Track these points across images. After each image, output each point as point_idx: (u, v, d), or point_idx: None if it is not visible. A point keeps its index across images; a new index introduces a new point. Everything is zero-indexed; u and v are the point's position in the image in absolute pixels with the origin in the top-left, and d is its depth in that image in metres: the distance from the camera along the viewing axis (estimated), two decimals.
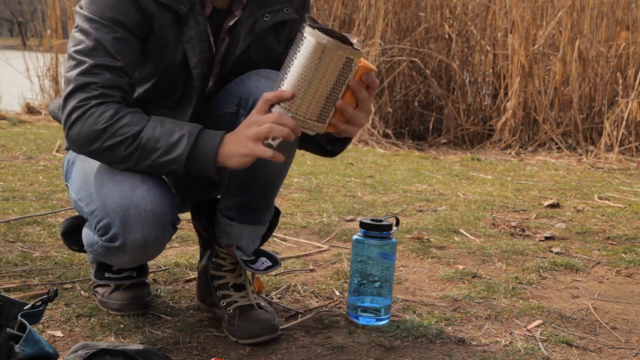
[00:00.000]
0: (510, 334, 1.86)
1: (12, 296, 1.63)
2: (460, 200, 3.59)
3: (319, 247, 2.60)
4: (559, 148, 5.61)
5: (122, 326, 1.80)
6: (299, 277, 2.25)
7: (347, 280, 2.04)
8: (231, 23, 1.70)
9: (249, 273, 1.87)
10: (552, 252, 2.67)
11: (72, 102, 1.55)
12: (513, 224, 3.04)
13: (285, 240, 2.69)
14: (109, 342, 1.66)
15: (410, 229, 2.87)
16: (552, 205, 3.50)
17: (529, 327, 1.90)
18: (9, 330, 1.30)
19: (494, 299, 2.11)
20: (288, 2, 1.72)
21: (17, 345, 1.26)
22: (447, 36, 6.39)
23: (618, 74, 5.70)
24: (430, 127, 6.20)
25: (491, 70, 6.39)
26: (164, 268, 2.26)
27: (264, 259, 1.82)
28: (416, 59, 6.17)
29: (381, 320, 1.88)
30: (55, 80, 7.05)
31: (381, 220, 1.88)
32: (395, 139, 5.93)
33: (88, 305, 1.91)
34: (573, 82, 5.69)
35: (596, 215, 3.34)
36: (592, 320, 1.98)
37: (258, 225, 1.79)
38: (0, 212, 2.86)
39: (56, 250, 2.38)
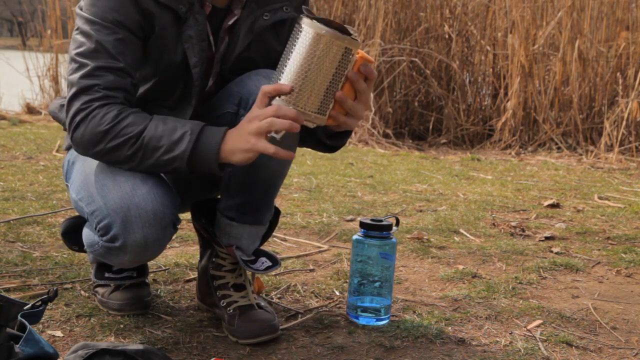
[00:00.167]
0: (510, 334, 1.86)
1: (12, 296, 1.63)
2: (460, 200, 3.59)
3: (319, 247, 2.60)
4: (559, 148, 5.61)
5: (122, 326, 1.80)
6: (299, 277, 2.25)
7: (347, 280, 2.04)
8: (231, 22, 1.70)
9: (249, 273, 1.87)
10: (552, 252, 2.67)
11: (76, 105, 1.55)
12: (513, 224, 3.04)
13: (285, 240, 2.69)
14: (109, 342, 1.66)
15: (410, 229, 2.87)
16: (552, 205, 3.50)
17: (529, 327, 1.90)
18: (9, 330, 1.30)
19: (494, 299, 2.11)
20: (287, 0, 1.72)
21: (17, 345, 1.26)
22: (447, 36, 6.39)
23: (618, 74, 5.70)
24: (430, 127, 6.20)
25: (491, 70, 6.39)
26: (164, 268, 2.26)
27: (264, 259, 1.82)
28: (416, 59, 6.17)
29: (381, 320, 1.88)
30: (55, 80, 7.05)
31: (381, 220, 1.88)
32: (395, 139, 5.93)
33: (88, 305, 1.91)
34: (573, 82, 5.69)
35: (596, 215, 3.34)
36: (592, 320, 1.98)
37: (258, 225, 1.79)
38: (0, 212, 2.86)
39: (56, 250, 2.38)
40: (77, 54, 1.57)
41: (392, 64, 6.12)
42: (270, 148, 1.46)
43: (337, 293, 2.11)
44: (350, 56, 1.45)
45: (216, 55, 1.72)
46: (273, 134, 1.46)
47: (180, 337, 1.74)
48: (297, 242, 2.68)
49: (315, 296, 2.08)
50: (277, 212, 1.87)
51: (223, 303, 1.80)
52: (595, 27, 5.82)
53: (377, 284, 1.88)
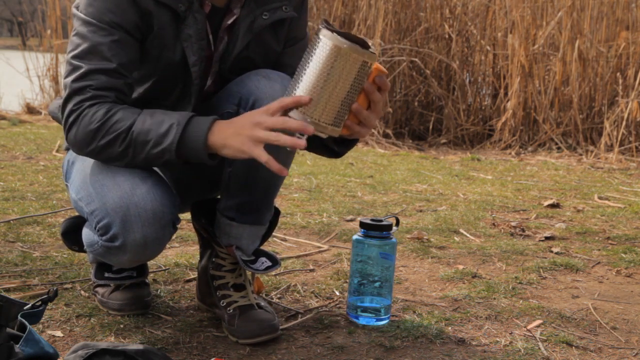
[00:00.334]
0: (510, 334, 1.86)
1: (12, 296, 1.63)
2: (460, 200, 3.59)
3: (319, 247, 2.60)
4: (559, 148, 5.61)
5: (122, 326, 1.80)
6: (299, 277, 2.25)
7: (347, 280, 2.04)
8: (230, 21, 1.70)
9: (248, 273, 1.87)
10: (552, 252, 2.67)
11: (69, 107, 1.57)
12: (513, 224, 3.04)
13: (285, 240, 2.69)
14: (109, 342, 1.66)
15: (410, 229, 2.87)
16: (552, 205, 3.50)
17: (529, 327, 1.90)
18: (9, 330, 1.30)
19: (494, 299, 2.11)
20: (287, 0, 1.72)
21: (17, 345, 1.26)
22: (447, 36, 6.39)
23: (618, 74, 5.70)
24: (430, 127, 6.20)
25: (491, 70, 6.39)
26: (164, 268, 2.26)
27: (263, 259, 1.82)
28: (416, 59, 6.17)
29: (381, 320, 1.88)
30: (55, 80, 7.05)
31: (381, 220, 1.88)
32: (395, 139, 5.93)
33: (88, 305, 1.91)
34: (573, 82, 5.69)
35: (596, 215, 3.34)
36: (592, 320, 1.98)
37: (258, 225, 1.79)
38: (0, 212, 2.86)
39: (56, 250, 2.38)
40: (72, 57, 1.58)
41: (392, 64, 6.12)
42: (263, 156, 1.45)
43: (337, 293, 2.11)
44: (368, 69, 1.46)
45: (215, 54, 1.72)
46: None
47: (180, 337, 1.74)
48: (297, 242, 2.67)
49: (315, 296, 2.08)
50: (277, 212, 1.87)
51: (223, 303, 1.80)
52: (595, 27, 5.82)
53: (377, 284, 1.88)
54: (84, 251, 1.72)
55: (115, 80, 1.57)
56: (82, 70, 1.55)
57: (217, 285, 1.83)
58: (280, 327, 1.78)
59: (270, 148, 1.47)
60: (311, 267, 2.37)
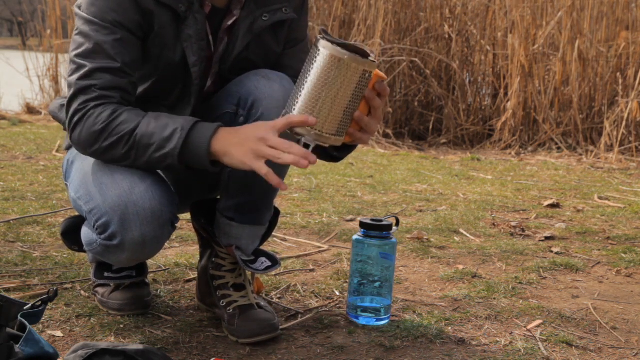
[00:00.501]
0: (510, 334, 1.86)
1: (12, 296, 1.63)
2: (460, 200, 3.59)
3: (319, 247, 2.60)
4: (559, 148, 5.61)
5: (122, 326, 1.80)
6: (299, 277, 2.25)
7: (347, 280, 2.04)
8: (230, 22, 1.70)
9: (248, 273, 1.87)
10: (552, 252, 2.67)
11: (74, 106, 1.57)
12: (513, 224, 3.04)
13: (285, 240, 2.69)
14: (109, 342, 1.66)
15: (410, 229, 2.87)
16: (552, 205, 3.50)
17: (529, 327, 1.90)
18: (9, 330, 1.30)
19: (494, 299, 2.11)
20: (287, 1, 1.72)
21: (17, 345, 1.26)
22: (447, 36, 6.39)
23: (618, 74, 5.70)
24: (430, 127, 6.20)
25: (491, 70, 6.39)
26: (164, 268, 2.26)
27: (263, 259, 1.82)
28: (416, 59, 6.17)
29: (381, 320, 1.88)
30: (55, 80, 7.05)
31: (381, 220, 1.88)
32: (395, 139, 5.93)
33: (88, 305, 1.91)
34: (573, 82, 5.69)
35: (596, 215, 3.34)
36: (592, 320, 1.98)
37: (258, 225, 1.79)
38: (0, 212, 2.86)
39: (56, 250, 2.38)
40: (76, 55, 1.58)
41: (392, 64, 6.12)
42: (263, 169, 1.46)
43: (337, 293, 2.11)
44: (368, 77, 1.46)
45: (215, 55, 1.72)
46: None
47: (180, 337, 1.74)
48: (297, 242, 2.67)
49: (315, 296, 2.08)
50: (277, 212, 1.87)
51: (223, 303, 1.80)
52: (595, 27, 5.82)
53: (377, 284, 1.88)
54: (84, 251, 1.73)
55: (120, 79, 1.57)
56: (86, 69, 1.55)
57: (217, 285, 1.83)
58: (280, 327, 1.78)
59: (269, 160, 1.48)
60: (311, 267, 2.37)
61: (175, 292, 2.07)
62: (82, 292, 2.02)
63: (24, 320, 1.31)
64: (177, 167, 1.55)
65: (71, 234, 1.77)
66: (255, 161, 1.47)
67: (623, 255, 2.64)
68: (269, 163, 1.47)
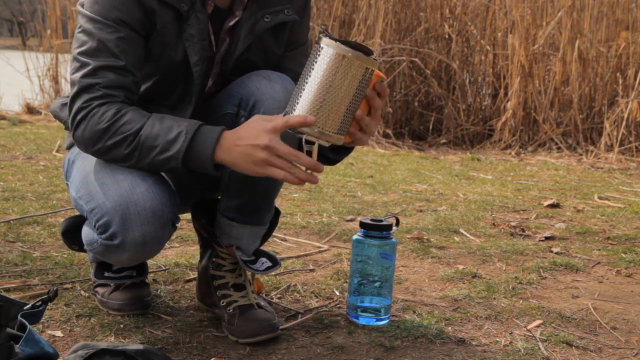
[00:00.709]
0: (510, 334, 1.86)
1: (12, 296, 1.63)
2: (460, 200, 3.59)
3: (319, 247, 2.60)
4: (559, 148, 5.61)
5: (122, 326, 1.80)
6: (299, 277, 2.25)
7: (347, 280, 2.04)
8: (231, 23, 1.70)
9: (248, 273, 1.87)
10: (552, 252, 2.67)
11: (77, 104, 1.56)
12: (513, 224, 3.04)
13: (285, 240, 2.69)
14: (109, 342, 1.66)
15: (410, 229, 2.87)
16: (552, 205, 3.50)
17: (529, 327, 1.90)
18: (9, 330, 1.30)
19: (494, 299, 2.11)
20: (289, 3, 1.72)
21: (17, 345, 1.26)
22: (447, 36, 6.39)
23: (618, 74, 5.70)
24: (430, 127, 6.20)
25: (491, 70, 6.39)
26: (164, 268, 2.26)
27: (264, 259, 1.82)
28: (416, 59, 6.17)
29: (381, 320, 1.88)
30: (55, 80, 7.05)
31: (381, 220, 1.88)
32: (395, 139, 5.93)
33: (88, 305, 1.91)
34: (573, 82, 5.69)
35: (596, 215, 3.34)
36: (592, 320, 1.98)
37: (258, 225, 1.79)
38: (0, 212, 2.86)
39: (56, 250, 2.38)
40: (80, 53, 1.57)
41: (392, 64, 6.12)
42: (280, 174, 1.48)
43: (337, 293, 2.11)
44: (370, 76, 1.46)
45: (217, 55, 1.72)
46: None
47: (180, 337, 1.74)
48: (297, 242, 2.68)
49: (315, 296, 2.08)
50: (277, 212, 1.87)
51: (223, 303, 1.80)
52: (595, 27, 5.82)
53: (377, 284, 1.88)
54: (84, 251, 1.73)
55: (124, 78, 1.57)
56: (90, 67, 1.55)
57: (217, 285, 1.83)
58: (280, 327, 1.78)
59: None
60: (311, 267, 2.37)
61: (175, 292, 2.07)
62: (82, 292, 2.02)
63: (24, 320, 1.31)
64: (180, 170, 1.55)
65: (71, 234, 1.77)
66: (267, 169, 1.48)
67: (623, 255, 2.64)
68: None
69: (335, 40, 1.42)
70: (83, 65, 1.56)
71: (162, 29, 1.62)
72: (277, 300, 2.04)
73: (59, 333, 1.73)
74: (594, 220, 3.24)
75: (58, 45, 7.06)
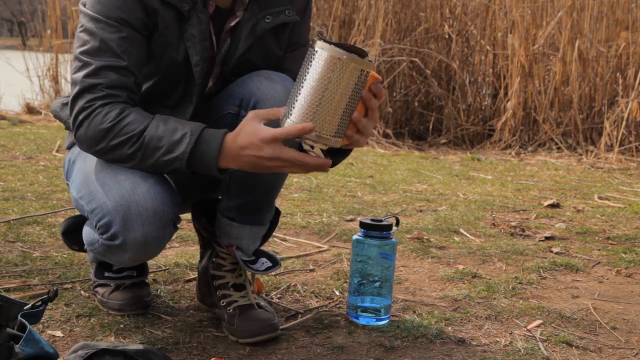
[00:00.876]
0: (510, 334, 1.86)
1: (12, 296, 1.63)
2: (460, 200, 3.59)
3: (319, 247, 2.60)
4: (559, 148, 5.61)
5: (122, 326, 1.80)
6: (299, 277, 2.25)
7: (347, 280, 2.04)
8: (232, 24, 1.70)
9: (248, 273, 1.87)
10: (552, 252, 2.67)
11: (80, 104, 1.56)
12: (513, 224, 3.04)
13: (285, 240, 2.69)
14: (109, 342, 1.66)
15: (410, 229, 2.87)
16: (552, 205, 3.50)
17: (529, 327, 1.90)
18: (9, 330, 1.30)
19: (494, 299, 2.11)
20: (290, 3, 1.72)
21: (17, 345, 1.26)
22: (447, 36, 6.39)
23: (618, 74, 5.70)
24: (430, 127, 6.20)
25: (491, 70, 6.39)
26: (164, 268, 2.26)
27: (264, 259, 1.82)
28: (416, 59, 6.17)
29: (381, 320, 1.88)
30: (55, 80, 7.05)
31: (381, 220, 1.88)
32: (395, 139, 5.93)
33: (88, 305, 1.91)
34: (573, 82, 5.69)
35: (596, 215, 3.34)
36: (592, 320, 1.98)
37: (259, 225, 1.79)
38: (0, 212, 2.86)
39: (56, 250, 2.38)
40: (81, 53, 1.57)
41: (392, 64, 6.12)
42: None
43: (337, 293, 2.11)
44: (366, 78, 1.46)
45: (218, 56, 1.72)
46: (307, 148, 1.48)
47: (180, 337, 1.74)
48: (297, 242, 2.68)
49: (315, 296, 2.08)
50: (277, 213, 1.87)
51: (223, 303, 1.80)
52: (595, 27, 5.82)
53: (377, 284, 1.88)
54: (84, 251, 1.73)
55: (126, 78, 1.57)
56: (92, 67, 1.55)
57: (217, 285, 1.83)
58: (280, 327, 1.78)
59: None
60: (311, 267, 2.37)
61: (175, 292, 2.07)
62: (82, 292, 2.02)
63: (24, 320, 1.31)
64: (184, 172, 1.55)
65: (72, 234, 1.77)
66: (276, 170, 1.52)
67: (623, 255, 2.64)
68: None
69: (330, 43, 1.42)
70: (85, 65, 1.56)
71: (163, 29, 1.62)
72: (277, 300, 2.04)
73: (59, 333, 1.73)
74: (594, 220, 3.24)
75: (58, 45, 7.06)
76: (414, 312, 1.98)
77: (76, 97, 1.57)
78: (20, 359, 1.25)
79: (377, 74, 1.54)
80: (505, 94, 5.99)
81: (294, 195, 3.50)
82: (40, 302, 1.35)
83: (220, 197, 1.82)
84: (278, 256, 1.91)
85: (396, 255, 1.95)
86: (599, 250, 2.71)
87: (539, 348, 1.76)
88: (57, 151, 4.55)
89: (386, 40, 6.12)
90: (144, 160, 1.55)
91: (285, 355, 1.67)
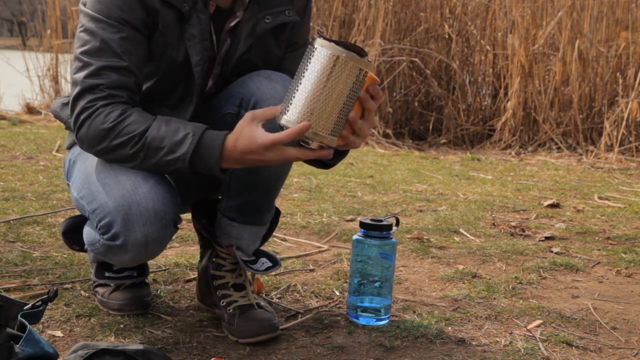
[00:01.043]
0: (510, 334, 1.86)
1: (12, 296, 1.63)
2: (460, 200, 3.59)
3: (319, 247, 2.60)
4: (559, 148, 5.61)
5: (122, 326, 1.80)
6: (299, 277, 2.25)
7: (347, 280, 2.04)
8: (232, 24, 1.70)
9: (248, 273, 1.87)
10: (552, 252, 2.67)
11: (81, 104, 1.56)
12: (513, 224, 3.04)
13: (285, 240, 2.69)
14: (109, 342, 1.66)
15: (410, 229, 2.87)
16: (552, 205, 3.50)
17: (529, 327, 1.90)
18: (9, 330, 1.30)
19: (494, 299, 2.11)
20: (290, 4, 1.72)
21: (17, 345, 1.26)
22: (447, 36, 6.39)
23: (618, 74, 5.70)
24: (430, 127, 6.20)
25: (491, 70, 6.39)
26: (164, 268, 2.26)
27: (264, 259, 1.82)
28: (416, 59, 6.17)
29: (381, 320, 1.88)
30: (55, 80, 7.05)
31: (381, 220, 1.88)
32: (395, 138, 5.93)
33: (88, 305, 1.91)
34: (573, 82, 5.69)
35: (596, 215, 3.34)
36: (592, 320, 1.98)
37: (259, 225, 1.79)
38: (0, 212, 2.86)
39: (56, 250, 2.38)
40: (82, 53, 1.57)
41: (392, 64, 6.12)
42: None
43: (337, 293, 2.11)
44: (364, 77, 1.46)
45: (218, 56, 1.72)
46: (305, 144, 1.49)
47: (180, 337, 1.74)
48: (297, 242, 2.68)
49: (315, 296, 2.08)
50: (277, 213, 1.87)
51: (223, 303, 1.80)
52: (595, 27, 5.82)
53: (377, 284, 1.88)
54: (85, 251, 1.73)
55: (127, 78, 1.57)
56: (93, 67, 1.55)
57: (217, 285, 1.83)
58: (280, 327, 1.78)
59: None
60: (311, 267, 2.37)
61: (175, 292, 2.07)
62: (82, 292, 2.02)
63: (24, 320, 1.31)
64: (186, 172, 1.55)
65: (72, 234, 1.77)
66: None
67: (623, 255, 2.64)
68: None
69: (330, 40, 1.42)
70: (86, 65, 1.56)
71: (163, 29, 1.62)
72: (277, 300, 2.04)
73: (59, 333, 1.73)
74: (594, 220, 3.24)
75: (58, 45, 7.06)
76: (414, 312, 1.98)
77: (77, 98, 1.57)
78: (20, 359, 1.25)
79: (376, 76, 1.54)
80: (505, 94, 5.99)
81: (294, 195, 3.50)
82: (40, 302, 1.35)
83: (220, 197, 1.82)
84: (278, 256, 1.91)
85: (396, 255, 1.95)
86: (599, 250, 2.72)
87: (539, 348, 1.76)
88: (57, 151, 4.55)
89: (386, 40, 6.12)
90: (146, 160, 1.55)
91: (285, 355, 1.67)
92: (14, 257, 2.28)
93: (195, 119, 1.67)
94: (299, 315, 1.92)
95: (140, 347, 1.37)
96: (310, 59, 1.43)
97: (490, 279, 2.30)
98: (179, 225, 1.66)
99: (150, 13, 1.59)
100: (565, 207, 3.50)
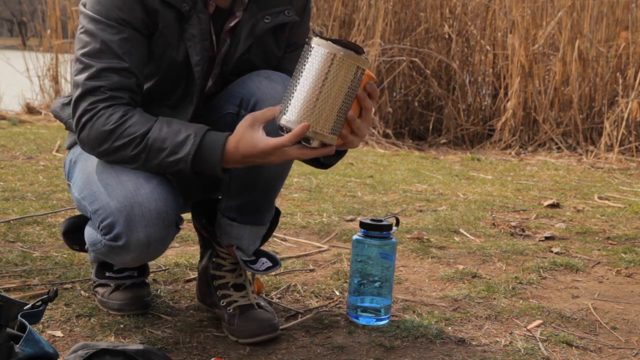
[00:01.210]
0: (510, 334, 1.86)
1: (12, 296, 1.63)
2: (460, 200, 3.59)
3: (319, 247, 2.60)
4: (559, 148, 5.61)
5: (122, 326, 1.80)
6: (299, 277, 2.25)
7: (347, 280, 2.04)
8: (232, 24, 1.70)
9: (249, 273, 1.87)
10: (552, 252, 2.67)
11: (82, 106, 1.57)
12: (513, 224, 3.04)
13: (285, 240, 2.69)
14: (109, 342, 1.66)
15: (410, 229, 2.87)
16: (552, 205, 3.50)
17: (529, 327, 1.90)
18: (9, 330, 1.30)
19: (494, 299, 2.11)
20: (289, 4, 1.72)
21: (17, 345, 1.26)
22: (447, 36, 6.39)
23: (618, 74, 5.70)
24: (430, 127, 6.20)
25: (491, 70, 6.39)
26: (164, 268, 2.26)
27: (264, 259, 1.82)
28: (416, 59, 6.17)
29: (381, 320, 1.88)
30: (55, 80, 7.05)
31: (381, 220, 1.88)
32: (395, 138, 5.93)
33: (88, 305, 1.91)
34: (573, 82, 5.69)
35: (596, 215, 3.34)
36: (592, 320, 1.98)
37: (259, 225, 1.79)
38: (0, 212, 2.86)
39: (56, 250, 2.38)
40: (83, 54, 1.57)
41: (392, 64, 6.12)
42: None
43: (337, 293, 2.11)
44: (361, 75, 1.46)
45: (217, 56, 1.72)
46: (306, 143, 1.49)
47: (180, 337, 1.74)
48: (297, 242, 2.68)
49: (315, 296, 2.08)
50: (278, 213, 1.87)
51: (223, 303, 1.80)
52: (595, 27, 5.82)
53: (377, 284, 1.88)
54: (85, 251, 1.73)
55: (127, 80, 1.57)
56: (94, 69, 1.56)
57: (217, 285, 1.83)
58: (280, 327, 1.78)
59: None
60: (311, 267, 2.37)
61: (175, 292, 2.07)
62: (82, 292, 2.02)
63: (24, 320, 1.31)
64: (187, 173, 1.55)
65: (72, 234, 1.77)
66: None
67: (623, 255, 2.64)
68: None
69: (326, 39, 1.42)
70: (87, 67, 1.56)
71: (163, 30, 1.62)
72: (277, 300, 2.04)
73: (59, 333, 1.73)
74: (594, 220, 3.24)
75: (58, 45, 7.06)
76: (414, 312, 1.98)
77: (78, 100, 1.57)
78: (20, 359, 1.25)
79: (376, 76, 1.54)
80: (505, 94, 5.99)
81: (294, 195, 3.50)
82: (40, 302, 1.35)
83: (220, 197, 1.82)
84: (278, 256, 1.91)
85: (396, 255, 1.95)
86: (599, 250, 2.72)
87: (539, 348, 1.76)
88: (57, 151, 4.55)
89: (386, 40, 6.12)
90: (148, 161, 1.56)
91: (285, 355, 1.67)
92: (14, 257, 2.28)
93: (195, 119, 1.68)
94: (299, 315, 1.92)
95: (140, 347, 1.37)
96: (307, 58, 1.43)
97: (490, 279, 2.30)
98: (180, 226, 1.66)
99: (150, 13, 1.59)
100: (565, 207, 3.50)
